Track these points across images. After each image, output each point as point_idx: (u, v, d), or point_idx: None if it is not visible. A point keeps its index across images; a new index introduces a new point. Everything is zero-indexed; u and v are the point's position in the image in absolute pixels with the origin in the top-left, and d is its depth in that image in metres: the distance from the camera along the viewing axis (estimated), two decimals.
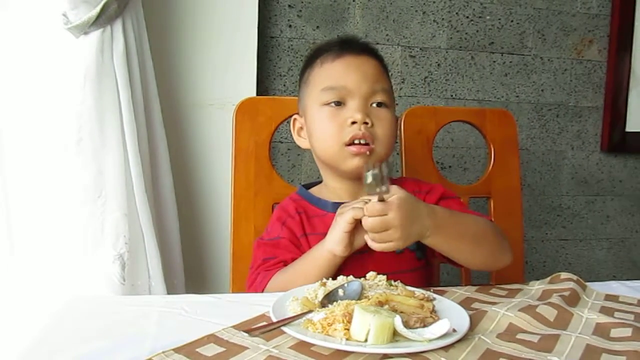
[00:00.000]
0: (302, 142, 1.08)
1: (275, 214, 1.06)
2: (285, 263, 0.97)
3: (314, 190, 1.09)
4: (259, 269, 0.99)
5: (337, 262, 0.90)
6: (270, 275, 0.95)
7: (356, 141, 0.96)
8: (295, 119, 1.09)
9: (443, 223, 0.87)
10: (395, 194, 0.82)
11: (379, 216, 0.81)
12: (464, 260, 0.94)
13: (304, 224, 1.02)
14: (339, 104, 0.98)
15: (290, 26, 1.67)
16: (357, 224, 0.86)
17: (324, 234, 0.95)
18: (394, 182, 1.05)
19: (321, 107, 1.00)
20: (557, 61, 1.90)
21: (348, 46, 1.02)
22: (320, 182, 1.10)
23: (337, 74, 1.00)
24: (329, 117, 0.98)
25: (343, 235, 0.87)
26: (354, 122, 0.96)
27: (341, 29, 1.70)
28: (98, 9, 1.20)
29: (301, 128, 1.07)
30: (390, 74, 1.07)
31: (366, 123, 0.96)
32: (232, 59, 1.53)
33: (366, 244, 0.86)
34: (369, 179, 0.78)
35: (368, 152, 0.97)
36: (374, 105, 0.99)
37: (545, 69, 1.89)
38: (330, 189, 1.06)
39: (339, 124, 0.97)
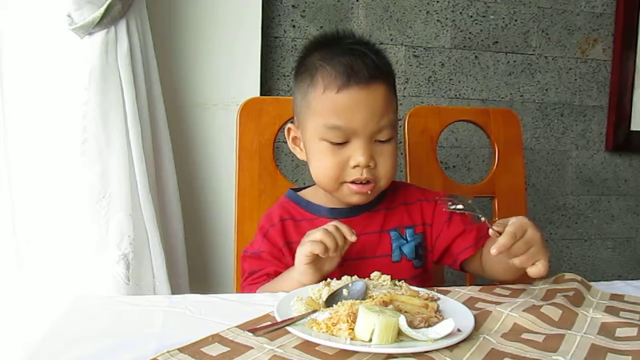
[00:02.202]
0: (298, 152, 1.03)
1: (260, 223, 1.04)
2: (269, 275, 0.96)
3: (308, 193, 1.05)
4: (245, 281, 0.99)
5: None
6: (255, 289, 0.95)
7: (358, 181, 0.93)
8: (289, 129, 1.03)
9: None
10: (510, 219, 0.80)
11: (517, 239, 0.78)
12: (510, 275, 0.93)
13: (287, 231, 0.99)
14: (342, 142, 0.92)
15: (293, 26, 1.67)
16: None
17: None
18: (397, 186, 1.06)
19: (322, 140, 0.93)
20: (561, 60, 1.89)
21: (355, 75, 0.91)
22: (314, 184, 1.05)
23: (342, 111, 0.91)
24: (331, 153, 0.93)
25: (304, 268, 0.85)
26: (357, 165, 0.92)
27: (345, 29, 1.69)
28: (102, 9, 1.20)
29: (296, 137, 1.02)
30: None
31: (369, 166, 0.92)
32: (235, 59, 1.53)
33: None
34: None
35: (369, 192, 0.94)
36: (378, 140, 0.93)
37: (550, 68, 1.88)
38: (325, 193, 1.02)
39: (340, 162, 0.92)
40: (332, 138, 0.92)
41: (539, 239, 0.81)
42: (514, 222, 0.80)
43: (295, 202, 1.04)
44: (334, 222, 0.87)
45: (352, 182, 0.93)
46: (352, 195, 0.95)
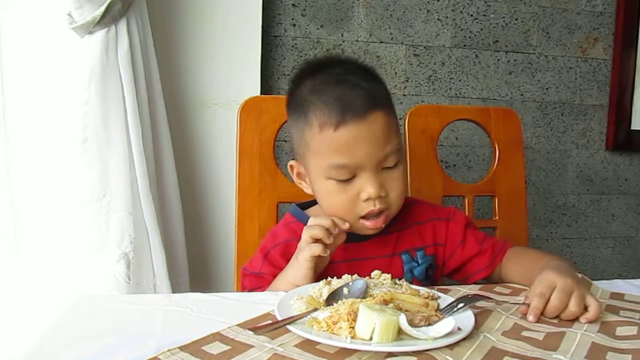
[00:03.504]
0: (305, 187, 0.99)
1: (263, 242, 1.03)
2: None
3: (315, 212, 1.01)
4: None
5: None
6: None
7: (371, 216, 0.91)
8: (292, 166, 0.99)
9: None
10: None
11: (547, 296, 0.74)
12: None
13: (291, 252, 0.94)
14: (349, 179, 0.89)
15: (294, 25, 1.67)
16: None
17: None
18: (408, 204, 1.02)
19: (328, 179, 0.90)
20: (561, 59, 1.89)
21: (350, 108, 0.86)
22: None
23: (343, 149, 0.87)
24: (340, 191, 0.90)
25: (306, 272, 0.85)
26: (368, 198, 0.89)
27: (345, 28, 1.69)
28: (103, 8, 1.20)
29: (300, 173, 0.98)
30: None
31: (381, 196, 0.89)
32: (236, 58, 1.53)
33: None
34: None
35: (382, 225, 0.93)
36: (386, 167, 0.90)
37: (550, 67, 1.88)
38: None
39: (351, 198, 0.90)
40: (338, 176, 0.89)
41: (572, 282, 0.74)
42: (539, 281, 0.76)
43: (301, 222, 0.99)
44: (323, 217, 0.87)
45: (365, 218, 0.91)
46: (367, 230, 0.93)
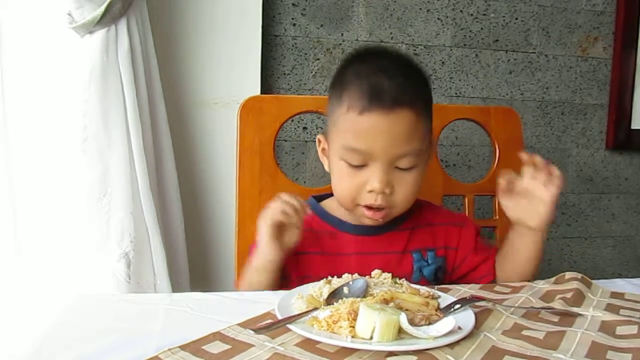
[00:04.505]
0: (325, 164, 1.01)
1: None
2: None
3: (331, 205, 1.02)
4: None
5: (274, 267, 0.90)
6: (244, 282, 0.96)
7: (372, 206, 0.92)
8: (319, 139, 1.01)
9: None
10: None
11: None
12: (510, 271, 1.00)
13: (303, 241, 0.96)
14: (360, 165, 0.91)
15: (294, 24, 1.67)
16: (283, 225, 0.88)
17: (332, 254, 0.96)
18: (423, 205, 1.06)
19: (341, 160, 0.92)
20: (562, 59, 1.89)
21: (378, 98, 0.87)
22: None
23: (361, 135, 0.88)
24: (348, 175, 0.91)
25: (268, 240, 0.88)
26: (372, 190, 0.90)
27: (345, 28, 1.69)
28: (103, 8, 1.20)
29: (325, 149, 1.00)
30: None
31: (385, 192, 0.90)
32: (236, 57, 1.53)
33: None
34: None
35: (381, 219, 0.94)
36: (399, 167, 0.91)
37: (550, 67, 1.88)
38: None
39: (356, 185, 0.91)
40: (350, 160, 0.90)
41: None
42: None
43: (316, 213, 1.02)
44: (284, 194, 0.90)
45: (366, 207, 0.92)
46: (365, 218, 0.94)
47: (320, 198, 1.06)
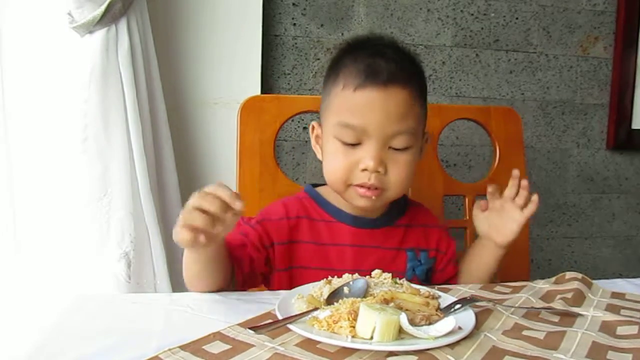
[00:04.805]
0: (318, 151, 1.00)
1: (270, 207, 1.00)
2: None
3: (329, 193, 1.00)
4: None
5: (202, 259, 0.81)
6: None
7: (365, 185, 0.90)
8: (313, 126, 1.00)
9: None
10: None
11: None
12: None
13: (299, 229, 0.95)
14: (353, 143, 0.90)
15: (294, 24, 1.67)
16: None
17: (325, 244, 0.96)
18: (419, 206, 1.08)
19: (334, 138, 0.91)
20: (562, 58, 1.89)
21: (373, 75, 0.88)
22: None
23: (356, 110, 0.88)
24: (341, 153, 0.90)
25: (187, 250, 0.79)
26: (365, 169, 0.89)
27: (345, 27, 1.69)
28: (103, 7, 1.20)
29: (318, 136, 0.99)
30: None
31: (378, 171, 0.89)
32: (236, 57, 1.53)
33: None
34: None
35: (374, 197, 0.91)
36: (393, 148, 0.90)
37: (551, 67, 1.88)
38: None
39: (349, 164, 0.90)
40: (344, 137, 0.89)
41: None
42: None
43: (314, 200, 1.00)
44: (225, 188, 0.75)
45: (359, 185, 0.91)
46: (358, 198, 0.92)
47: (318, 186, 1.04)
